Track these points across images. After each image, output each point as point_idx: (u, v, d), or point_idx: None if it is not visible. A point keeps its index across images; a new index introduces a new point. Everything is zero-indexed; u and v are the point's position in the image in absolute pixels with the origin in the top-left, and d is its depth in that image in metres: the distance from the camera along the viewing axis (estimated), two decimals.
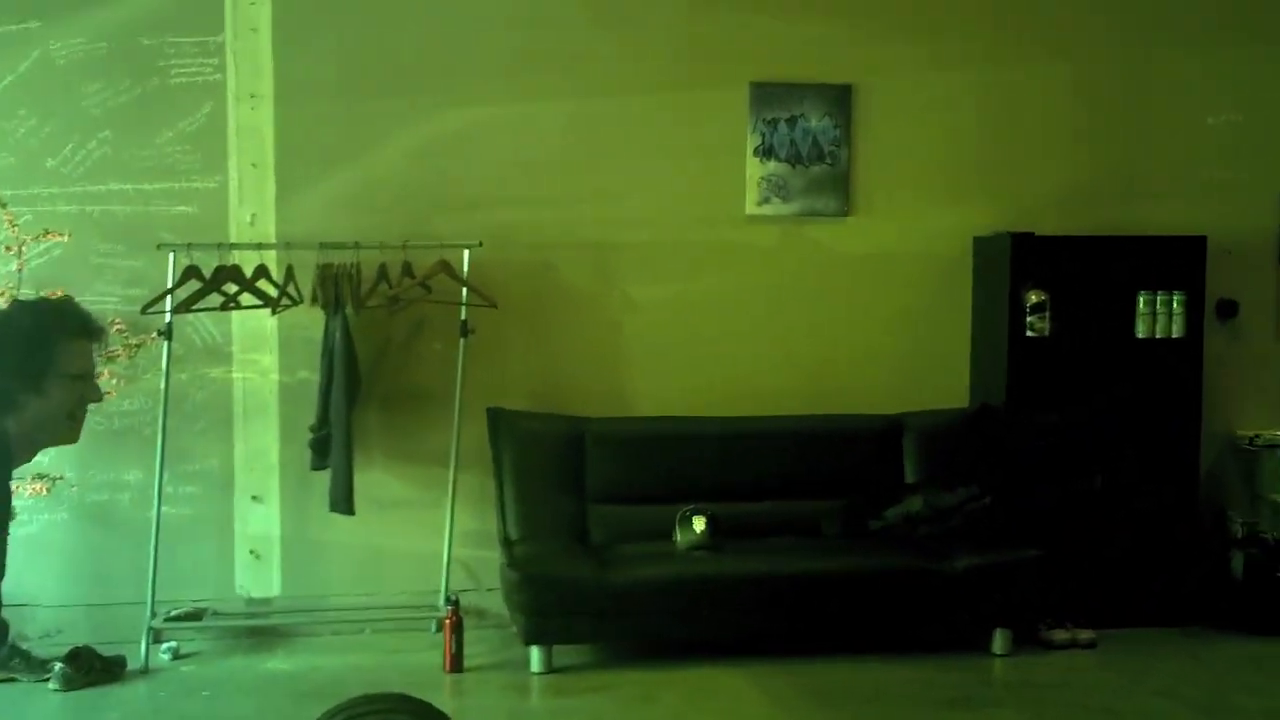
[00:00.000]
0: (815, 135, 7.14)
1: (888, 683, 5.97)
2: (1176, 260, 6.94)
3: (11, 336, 3.09)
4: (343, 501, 6.46)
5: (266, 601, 6.81)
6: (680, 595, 6.15)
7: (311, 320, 6.61)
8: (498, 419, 6.69)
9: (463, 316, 6.62)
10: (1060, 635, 6.45)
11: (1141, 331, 6.88)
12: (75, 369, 3.15)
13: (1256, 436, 7.20)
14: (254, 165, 6.75)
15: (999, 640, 6.33)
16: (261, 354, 6.80)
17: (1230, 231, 7.22)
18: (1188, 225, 7.12)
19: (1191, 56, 7.37)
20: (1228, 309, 7.28)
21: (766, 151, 7.11)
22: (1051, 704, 5.70)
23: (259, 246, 6.57)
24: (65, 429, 3.18)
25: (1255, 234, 7.37)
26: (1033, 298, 6.79)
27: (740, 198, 7.09)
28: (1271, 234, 7.41)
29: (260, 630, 6.71)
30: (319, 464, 6.57)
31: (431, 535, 6.70)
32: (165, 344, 6.44)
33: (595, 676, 6.05)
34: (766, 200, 7.11)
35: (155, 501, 6.43)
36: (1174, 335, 6.87)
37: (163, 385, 6.45)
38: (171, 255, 6.35)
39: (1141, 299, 6.87)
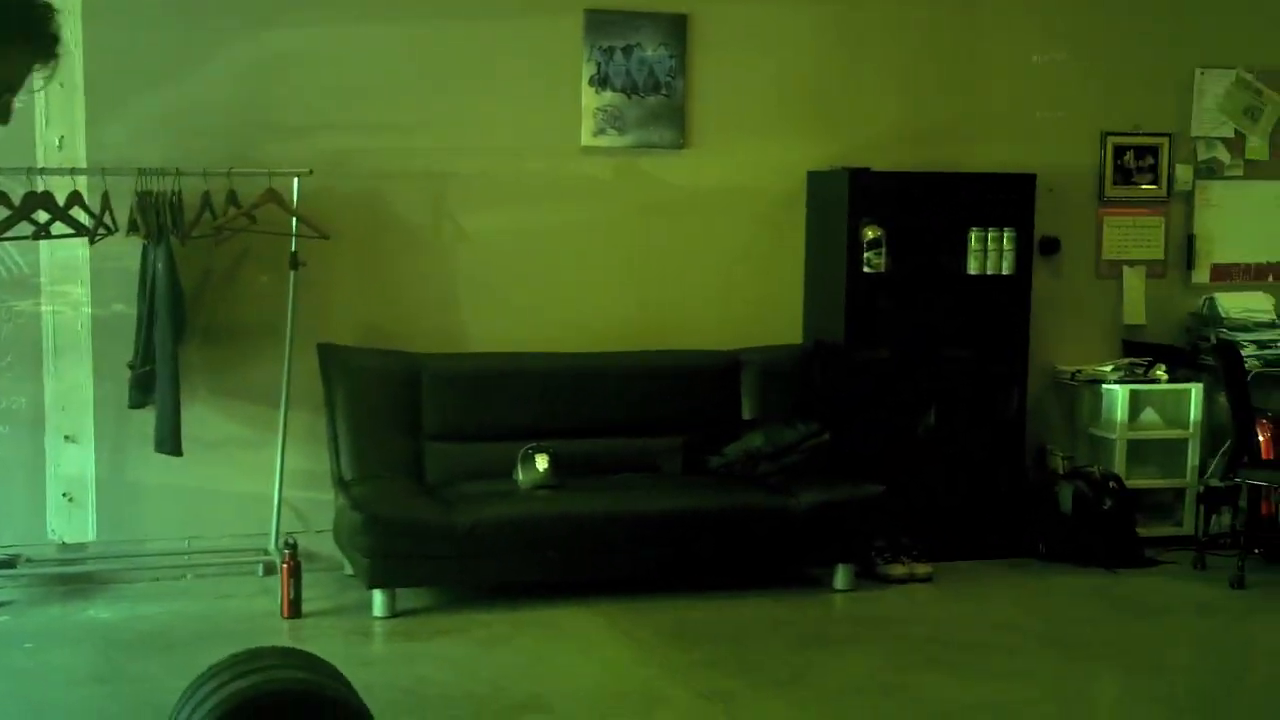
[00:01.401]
0: (651, 65, 7.11)
1: (739, 621, 6.05)
2: (1007, 197, 7.12)
3: None
4: (169, 440, 6.25)
5: (81, 547, 6.56)
6: (527, 535, 6.11)
7: (125, 250, 6.34)
8: (329, 355, 6.54)
9: (292, 248, 6.43)
10: (898, 569, 6.62)
11: (973, 268, 7.06)
12: None
13: (1078, 372, 7.46)
14: (61, 85, 6.38)
15: (841, 575, 6.46)
16: (72, 285, 6.50)
17: (1054, 169, 7.43)
18: (1016, 163, 7.33)
19: None
20: (1050, 245, 7.51)
21: (602, 81, 7.06)
22: (902, 639, 5.84)
23: (71, 172, 6.27)
24: None
25: (1077, 171, 7.62)
26: (869, 234, 6.91)
27: (576, 128, 7.03)
28: (1092, 171, 7.66)
29: (75, 578, 6.47)
30: (138, 401, 6.35)
31: (258, 476, 6.55)
32: None
33: (442, 620, 5.99)
34: (602, 131, 7.07)
35: None
36: (1004, 272, 7.06)
37: None
38: None
39: (973, 236, 7.05)
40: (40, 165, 6.31)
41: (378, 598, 5.99)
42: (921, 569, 6.64)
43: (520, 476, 6.39)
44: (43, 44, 2.56)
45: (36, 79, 2.58)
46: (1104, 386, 7.34)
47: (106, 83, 6.45)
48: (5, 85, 2.57)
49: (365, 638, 5.84)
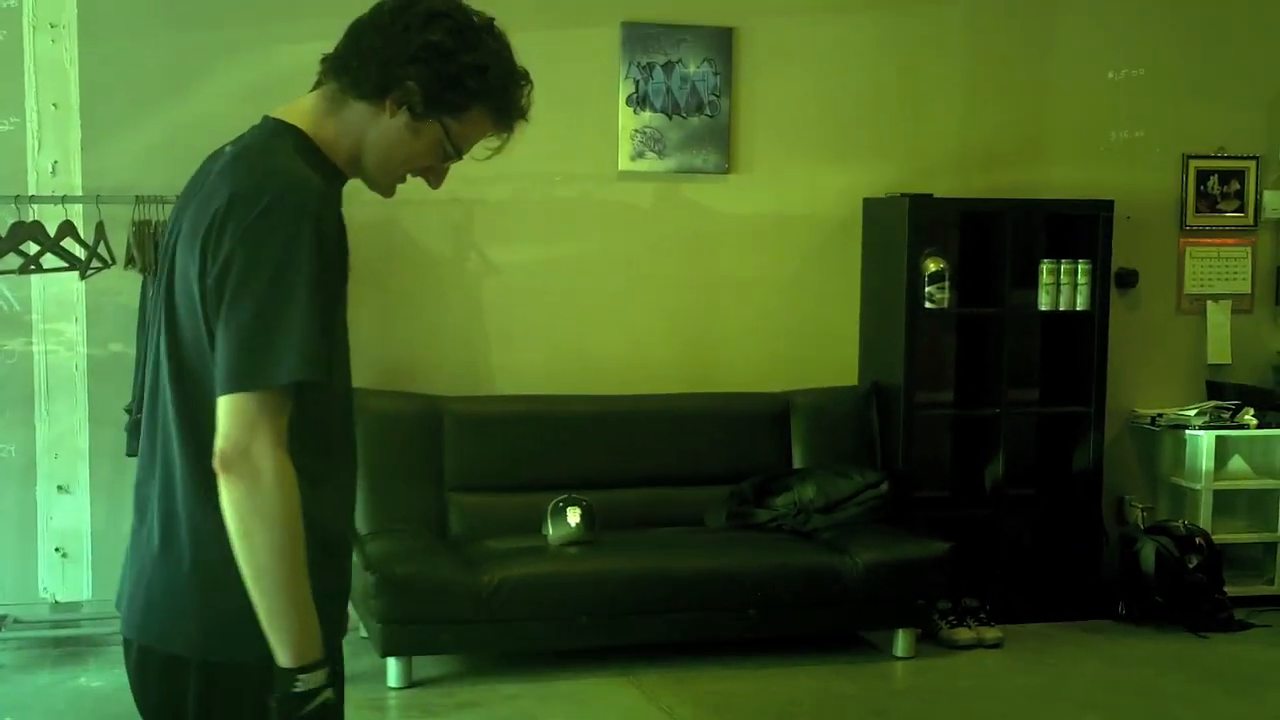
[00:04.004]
0: (694, 83, 6.77)
1: (789, 694, 5.67)
2: (1081, 226, 6.78)
3: None
4: None
5: (75, 606, 6.24)
6: (556, 597, 5.76)
7: (125, 285, 6.06)
8: None
9: None
10: (964, 635, 6.23)
11: (1044, 303, 6.70)
12: (464, 138, 2.55)
13: (1158, 416, 7.06)
14: (55, 106, 6.16)
15: (901, 641, 6.09)
16: (67, 323, 6.21)
17: (1130, 194, 7.05)
18: (1087, 187, 6.98)
19: (1092, 6, 7.17)
20: (1127, 279, 7.12)
21: (640, 100, 6.72)
22: (972, 718, 5.45)
23: (64, 200, 5.99)
24: (393, 183, 2.58)
25: (1156, 197, 7.24)
26: (931, 266, 6.56)
27: (613, 152, 6.71)
28: (1173, 198, 7.28)
29: (68, 640, 6.15)
30: (136, 449, 6.02)
31: None
32: None
33: (464, 691, 5.63)
34: (641, 155, 6.73)
35: None
36: (1078, 307, 6.70)
37: None
38: None
39: (1044, 268, 6.70)
40: (31, 193, 6.04)
41: (392, 666, 5.64)
42: (990, 634, 6.25)
43: (550, 532, 6.04)
44: (508, 114, 2.59)
45: (480, 148, 2.58)
46: (1187, 432, 6.92)
47: (103, 104, 6.19)
48: (455, 150, 2.53)
49: (378, 712, 5.50)
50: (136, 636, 2.49)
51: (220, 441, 2.26)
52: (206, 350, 2.35)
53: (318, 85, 2.51)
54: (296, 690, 2.27)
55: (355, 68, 2.45)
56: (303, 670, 2.28)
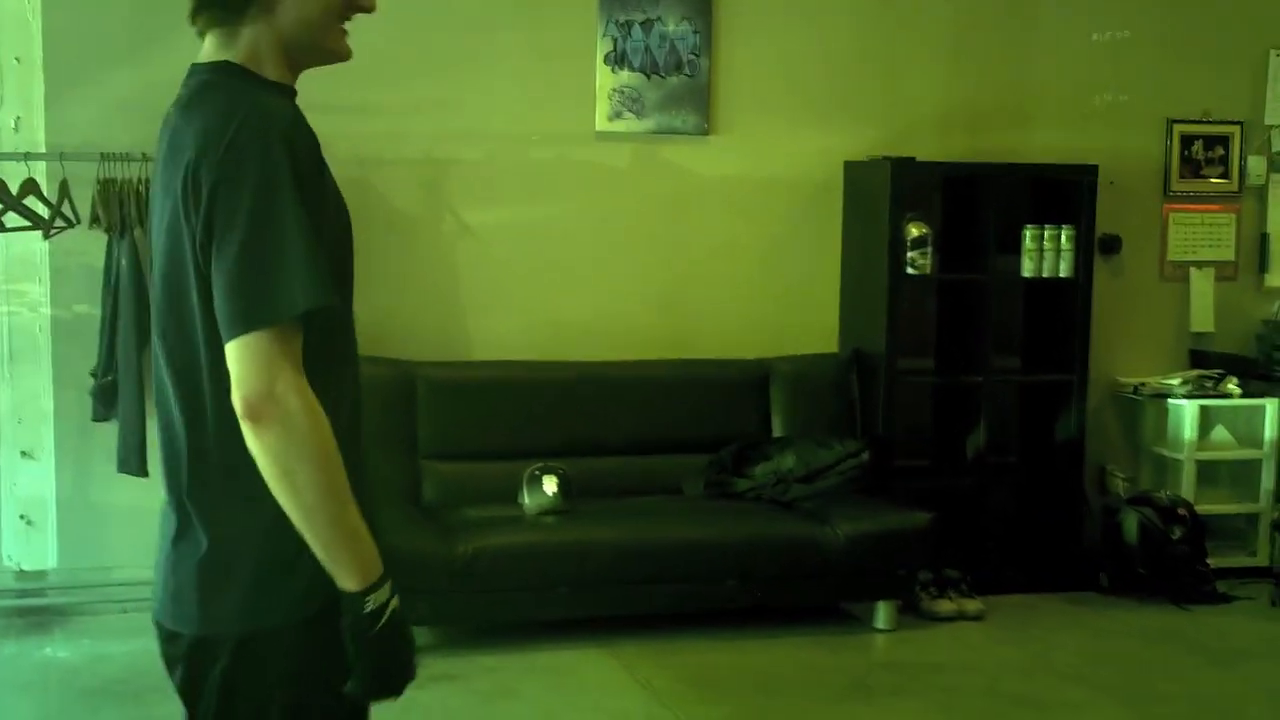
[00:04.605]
0: (673, 41, 6.66)
1: (769, 667, 5.62)
2: (1064, 191, 6.72)
3: None
4: (133, 459, 5.82)
5: (40, 575, 6.13)
6: (533, 567, 5.69)
7: (90, 245, 5.94)
8: None
9: None
10: (946, 606, 6.18)
11: (1028, 270, 6.64)
12: None
13: (1141, 385, 7.02)
14: (18, 60, 6.03)
15: (882, 613, 6.04)
16: (30, 284, 6.08)
17: (1114, 159, 6.98)
18: (1070, 151, 6.91)
19: None
20: (1110, 245, 7.06)
21: (619, 59, 6.62)
22: (953, 692, 5.41)
23: (26, 157, 5.86)
24: (339, 39, 2.47)
25: (1140, 162, 7.18)
26: (914, 231, 6.48)
27: (589, 111, 6.60)
28: (1157, 163, 7.22)
29: (34, 610, 6.05)
30: (103, 414, 5.93)
31: None
32: None
33: (441, 663, 5.49)
34: (618, 115, 6.63)
35: None
36: (1061, 274, 6.64)
37: None
38: None
39: (1028, 234, 6.63)
40: None
41: None
42: (972, 605, 6.20)
43: (526, 500, 5.97)
44: None
45: None
46: (1170, 401, 6.88)
47: (68, 58, 6.05)
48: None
49: None
50: (165, 621, 2.39)
51: (240, 390, 2.17)
52: (196, 317, 2.26)
53: (202, 35, 2.40)
54: (367, 610, 2.23)
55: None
56: (369, 590, 2.24)
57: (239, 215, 2.18)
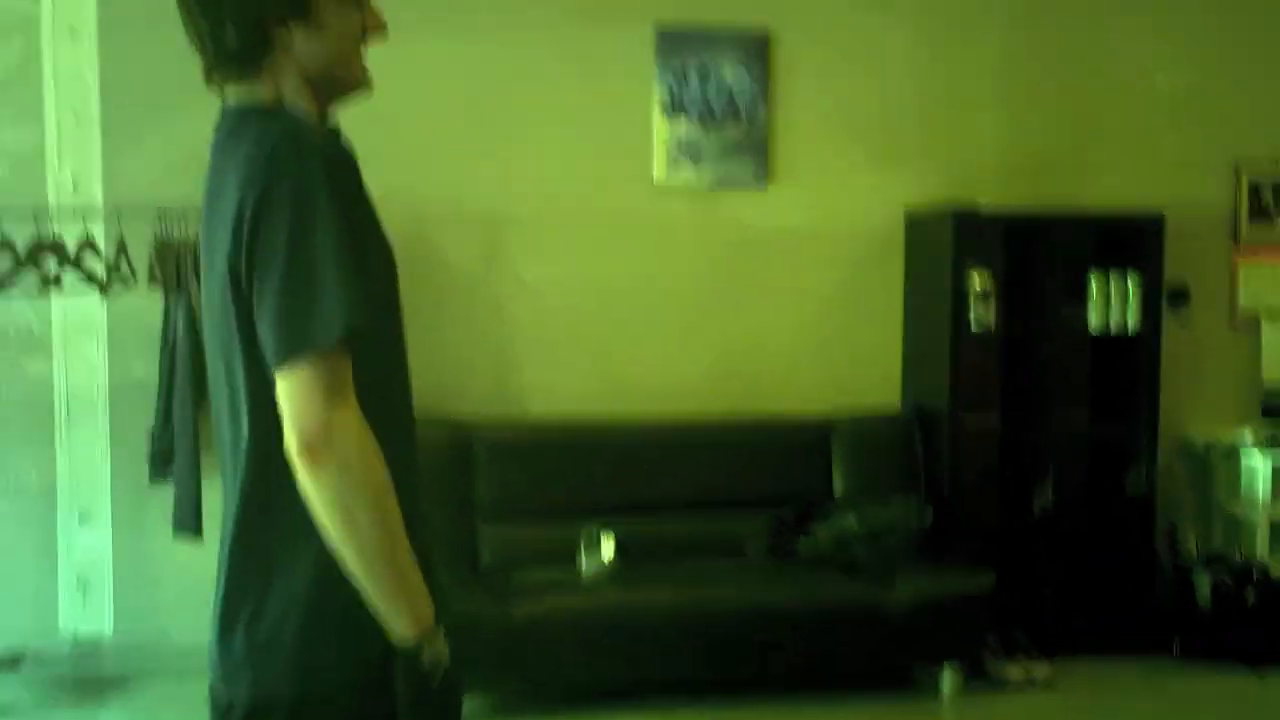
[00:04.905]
0: (730, 90, 6.59)
1: None
2: (1130, 240, 6.59)
3: None
4: (189, 520, 5.80)
5: (96, 641, 6.11)
6: (590, 632, 5.62)
7: (147, 305, 5.93)
8: None
9: None
10: (1013, 671, 6.06)
11: (1094, 323, 6.52)
12: None
13: (1213, 440, 6.88)
14: (75, 115, 6.04)
15: (947, 679, 5.93)
16: (88, 345, 6.08)
17: (1181, 207, 6.85)
18: (1138, 199, 6.78)
19: (1141, 8, 6.98)
20: (1178, 295, 6.93)
21: (675, 108, 6.55)
22: None
23: (84, 214, 5.86)
24: (359, 68, 2.44)
25: (1208, 209, 7.05)
26: (977, 283, 6.37)
27: (647, 162, 6.55)
28: (1225, 210, 7.09)
29: (90, 678, 6.02)
30: (160, 475, 5.91)
31: None
32: None
33: None
34: (676, 166, 6.56)
35: None
36: (1129, 326, 6.52)
37: None
38: None
39: (1094, 284, 6.51)
40: (51, 207, 5.91)
41: None
42: (1040, 670, 6.07)
43: (584, 562, 5.90)
44: None
45: None
46: (1243, 457, 6.74)
47: (125, 114, 6.06)
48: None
49: None
50: (219, 688, 2.33)
51: (294, 427, 2.11)
52: (239, 362, 2.22)
53: (223, 90, 2.39)
54: (424, 657, 2.19)
55: (226, 54, 2.35)
56: (423, 636, 2.19)
57: (279, 236, 2.14)
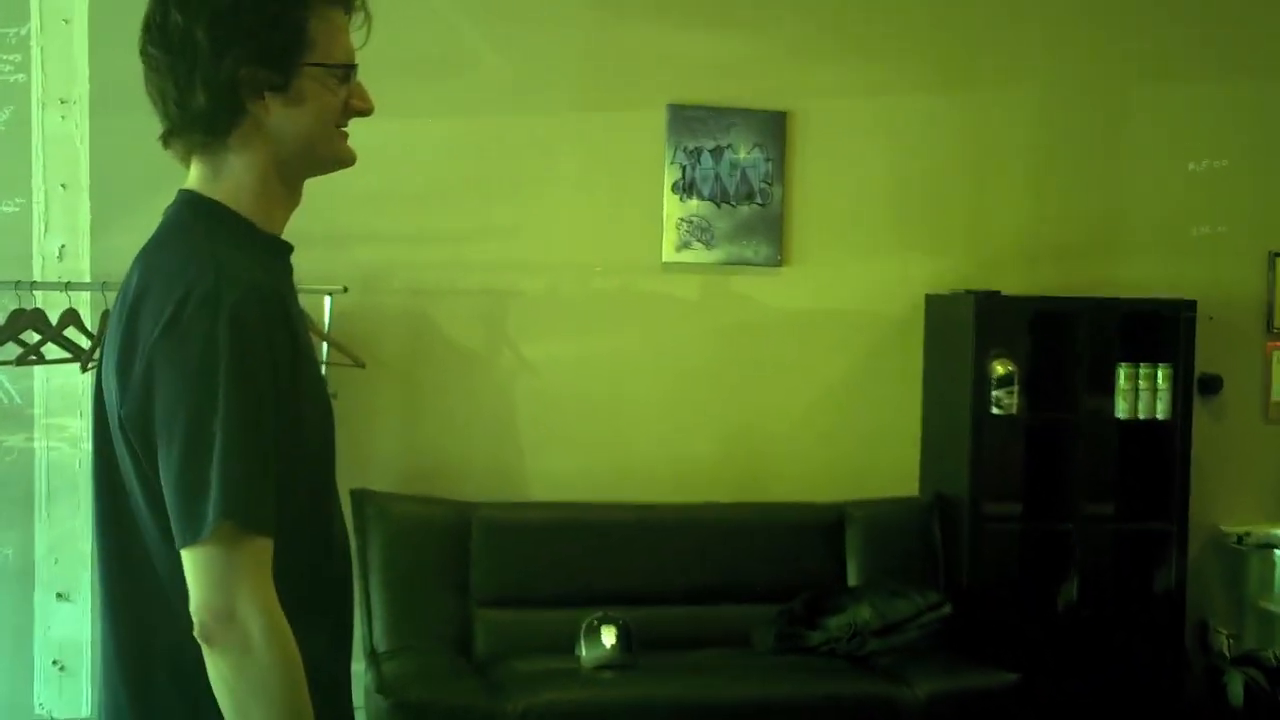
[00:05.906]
0: (744, 169, 6.48)
1: None
2: (1160, 327, 6.45)
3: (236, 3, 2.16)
4: None
5: None
6: None
7: None
8: (364, 502, 5.89)
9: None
10: None
11: (1122, 410, 6.34)
12: (337, 55, 2.25)
13: (1245, 534, 6.68)
14: (64, 186, 5.94)
15: None
16: (70, 418, 5.93)
17: (1213, 293, 6.71)
18: (1168, 286, 6.64)
19: (1172, 91, 6.87)
20: (1211, 384, 6.78)
21: (687, 187, 6.43)
22: None
23: (68, 286, 5.74)
24: (339, 146, 2.30)
25: (1240, 297, 6.90)
26: (999, 368, 6.22)
27: (656, 241, 6.41)
28: (1260, 297, 6.93)
29: None
30: None
31: None
32: None
33: None
34: (687, 245, 6.43)
35: None
36: (1158, 415, 6.34)
37: None
38: None
39: (1122, 372, 6.34)
40: (36, 278, 5.84)
41: None
42: None
43: (584, 653, 5.70)
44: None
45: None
46: (1277, 552, 6.56)
47: (113, 184, 5.94)
48: (343, 68, 2.27)
49: None
50: None
51: (197, 608, 1.96)
52: (141, 505, 2.06)
53: (186, 158, 2.27)
54: None
55: (190, 118, 2.21)
56: None
57: (180, 407, 2.00)
